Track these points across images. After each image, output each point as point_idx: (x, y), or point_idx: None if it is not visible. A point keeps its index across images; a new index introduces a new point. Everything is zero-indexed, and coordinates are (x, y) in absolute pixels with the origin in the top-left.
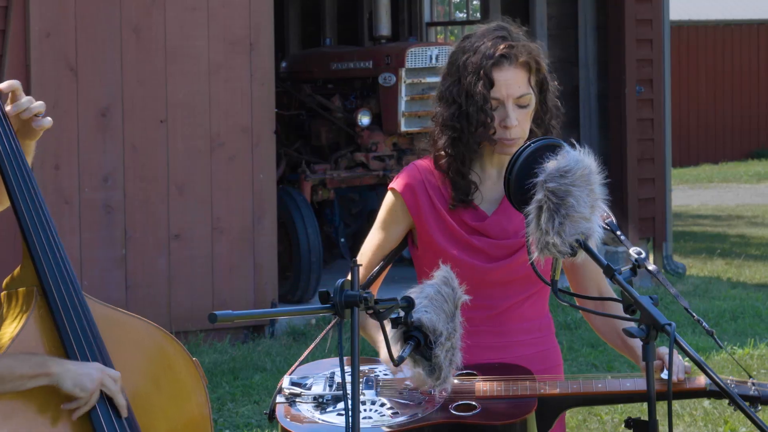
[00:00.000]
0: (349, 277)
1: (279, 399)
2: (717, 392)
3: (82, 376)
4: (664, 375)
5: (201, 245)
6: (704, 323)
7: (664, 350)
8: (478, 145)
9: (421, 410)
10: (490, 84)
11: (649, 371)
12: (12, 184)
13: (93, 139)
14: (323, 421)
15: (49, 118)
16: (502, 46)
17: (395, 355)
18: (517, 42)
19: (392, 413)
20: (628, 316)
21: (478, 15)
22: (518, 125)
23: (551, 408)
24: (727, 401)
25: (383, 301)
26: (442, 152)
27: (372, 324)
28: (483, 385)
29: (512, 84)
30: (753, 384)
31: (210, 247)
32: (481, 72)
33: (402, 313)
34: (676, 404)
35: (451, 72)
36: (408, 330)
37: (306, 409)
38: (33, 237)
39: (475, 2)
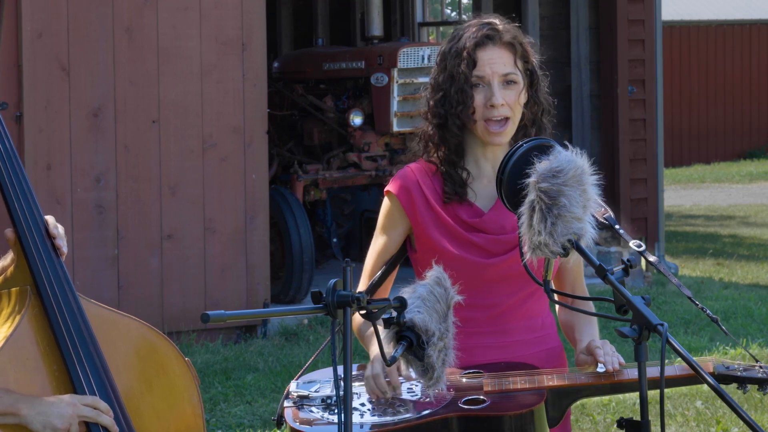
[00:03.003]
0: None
1: (287, 403)
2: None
3: (52, 417)
4: (600, 369)
5: (193, 245)
6: (708, 310)
7: (595, 344)
8: (459, 129)
9: (430, 406)
10: (473, 64)
11: (641, 372)
12: (6, 184)
13: (85, 139)
14: (333, 421)
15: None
16: (486, 29)
17: (388, 355)
18: (503, 26)
19: (402, 410)
20: (620, 316)
21: (470, 15)
22: (506, 105)
23: (561, 400)
24: (721, 402)
25: (375, 301)
26: (431, 143)
27: (368, 335)
28: (491, 381)
29: (496, 61)
30: (761, 367)
31: (202, 248)
32: (465, 53)
33: (394, 314)
34: (669, 404)
35: (439, 63)
36: (400, 330)
37: (315, 411)
38: (27, 237)
39: (465, 2)
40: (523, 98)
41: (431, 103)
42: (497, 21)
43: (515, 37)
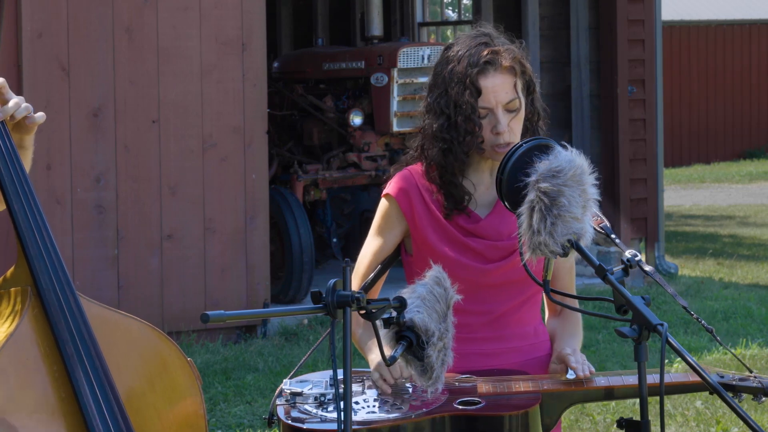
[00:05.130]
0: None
1: (279, 401)
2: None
3: None
4: (570, 375)
5: (193, 245)
6: (702, 321)
7: (566, 352)
8: (466, 155)
9: (424, 406)
10: (477, 93)
11: (641, 372)
12: (7, 184)
13: (85, 139)
14: (327, 418)
15: (40, 114)
16: (485, 53)
17: (387, 355)
18: (500, 47)
19: (396, 408)
20: (620, 316)
21: (470, 15)
22: (509, 130)
23: (555, 404)
24: (721, 402)
25: (375, 301)
26: (433, 164)
27: (367, 343)
28: (485, 384)
29: (499, 91)
30: (755, 377)
31: (202, 248)
32: (467, 81)
33: (394, 314)
34: (668, 404)
35: (437, 83)
36: (400, 330)
37: (308, 408)
38: (27, 237)
39: (466, 2)
40: (523, 116)
41: (434, 126)
42: (494, 37)
43: (514, 58)
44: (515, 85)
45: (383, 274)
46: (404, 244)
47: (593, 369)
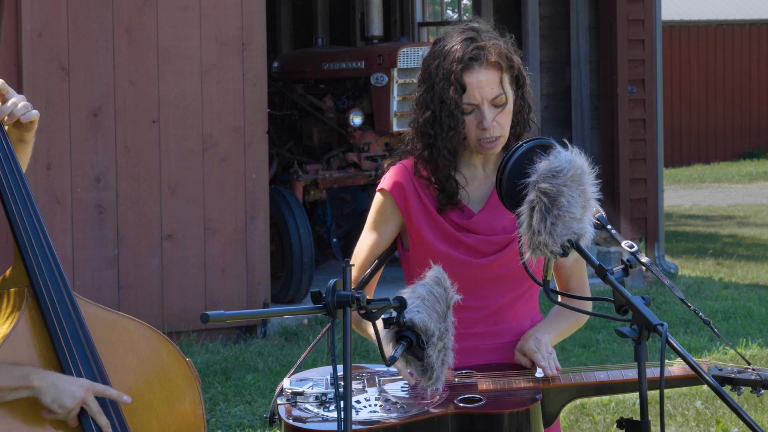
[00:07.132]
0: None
1: (280, 400)
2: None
3: (64, 393)
4: (538, 373)
5: (193, 245)
6: (700, 313)
7: (530, 348)
8: (449, 151)
9: (426, 404)
10: (462, 89)
11: (641, 372)
12: (3, 185)
13: (85, 139)
14: (328, 418)
15: (35, 111)
16: (470, 48)
17: (387, 355)
18: (487, 42)
19: (398, 407)
20: (620, 316)
21: (470, 15)
22: (497, 125)
23: (556, 400)
24: (721, 402)
25: (375, 301)
26: (420, 158)
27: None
28: (485, 381)
29: (485, 86)
30: (754, 369)
31: (202, 248)
32: (452, 77)
33: (394, 314)
34: (668, 404)
35: (424, 78)
36: (400, 330)
37: (309, 407)
38: (24, 239)
39: (466, 2)
40: (511, 110)
41: (420, 120)
42: (481, 31)
43: (500, 53)
44: (501, 80)
45: (379, 269)
46: (401, 238)
47: (560, 366)
